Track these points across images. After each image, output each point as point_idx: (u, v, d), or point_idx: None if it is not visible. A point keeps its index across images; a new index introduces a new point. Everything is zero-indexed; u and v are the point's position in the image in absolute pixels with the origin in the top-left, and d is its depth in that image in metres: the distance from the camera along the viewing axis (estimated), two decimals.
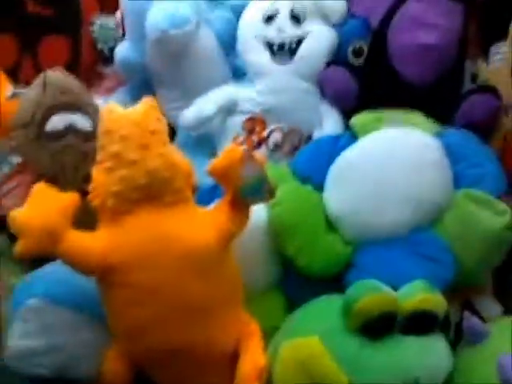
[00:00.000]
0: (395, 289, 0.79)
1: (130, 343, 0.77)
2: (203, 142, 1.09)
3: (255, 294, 0.85)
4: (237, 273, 0.80)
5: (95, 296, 0.79)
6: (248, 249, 0.83)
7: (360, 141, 0.90)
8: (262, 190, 0.77)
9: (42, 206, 0.72)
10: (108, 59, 1.21)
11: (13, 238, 0.93)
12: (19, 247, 0.71)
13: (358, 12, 1.03)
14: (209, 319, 0.77)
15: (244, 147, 0.80)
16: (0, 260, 0.93)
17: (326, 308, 0.80)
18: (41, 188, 0.74)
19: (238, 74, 1.16)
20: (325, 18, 1.04)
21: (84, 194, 0.95)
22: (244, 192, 0.77)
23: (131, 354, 0.78)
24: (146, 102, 0.78)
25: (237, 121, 1.05)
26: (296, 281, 0.88)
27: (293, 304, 0.88)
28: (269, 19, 1.06)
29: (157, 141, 0.76)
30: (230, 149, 0.79)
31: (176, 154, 0.78)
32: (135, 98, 1.18)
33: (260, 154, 0.83)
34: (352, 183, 0.86)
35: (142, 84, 1.18)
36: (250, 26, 1.07)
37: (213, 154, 1.10)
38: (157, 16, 1.02)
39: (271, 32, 1.04)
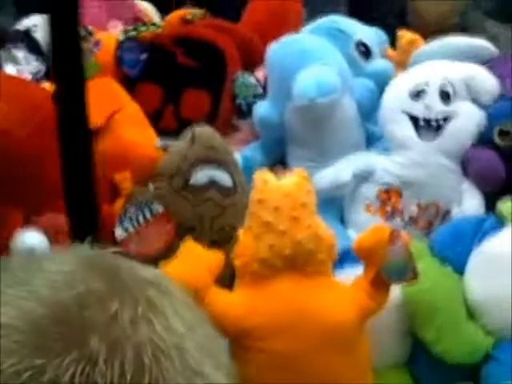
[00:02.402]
0: None
1: None
2: (331, 204, 1.08)
3: (381, 371, 0.83)
4: (369, 351, 0.78)
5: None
6: (378, 325, 0.81)
7: (508, 229, 0.86)
8: (406, 270, 0.76)
9: (189, 264, 0.74)
10: (244, 113, 1.25)
11: None
12: None
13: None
14: None
15: (392, 227, 0.78)
16: None
17: None
18: (190, 245, 0.77)
19: (372, 139, 1.17)
20: (475, 97, 1.02)
21: (216, 244, 0.98)
22: (388, 272, 0.76)
23: None
24: (298, 173, 0.79)
25: (371, 189, 1.05)
26: (425, 361, 0.85)
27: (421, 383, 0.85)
28: (416, 95, 1.05)
29: (306, 213, 0.77)
30: (377, 227, 0.78)
31: (322, 226, 0.78)
32: (267, 153, 1.23)
33: (405, 233, 0.81)
34: (499, 273, 0.82)
35: (275, 140, 1.20)
36: (396, 99, 1.07)
37: (340, 217, 1.10)
38: (305, 83, 1.04)
39: (418, 108, 1.04)
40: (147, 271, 0.36)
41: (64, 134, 0.84)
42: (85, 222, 0.84)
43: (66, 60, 0.81)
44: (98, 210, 0.88)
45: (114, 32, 1.39)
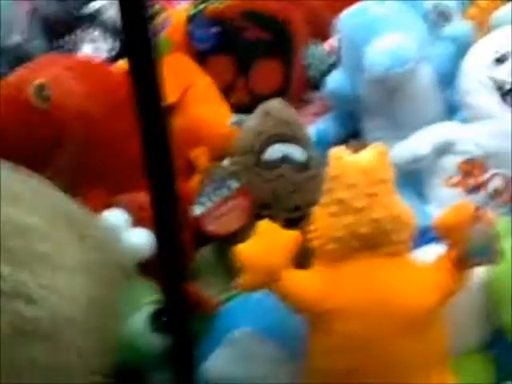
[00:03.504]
0: None
1: None
2: (409, 178, 1.05)
3: (460, 356, 0.81)
4: (445, 334, 0.76)
5: (299, 333, 0.80)
6: (459, 308, 0.78)
7: None
8: (490, 251, 0.73)
9: (267, 244, 0.75)
10: (316, 85, 1.23)
11: (222, 253, 0.99)
12: (242, 282, 0.75)
13: None
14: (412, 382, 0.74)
15: (476, 205, 0.75)
16: (208, 272, 1.00)
17: None
18: (266, 225, 0.77)
19: (453, 109, 1.11)
20: None
21: (292, 223, 0.98)
22: (471, 252, 0.73)
23: None
24: (376, 148, 0.77)
25: (451, 161, 1.00)
26: (506, 346, 0.82)
27: (501, 369, 0.82)
28: (499, 60, 0.99)
29: (384, 190, 0.75)
30: (459, 205, 0.75)
31: (400, 205, 0.76)
32: (341, 125, 1.20)
33: (489, 211, 0.77)
34: None
35: (348, 112, 1.18)
36: (478, 66, 1.01)
37: (420, 191, 1.07)
38: (379, 53, 1.00)
39: (502, 74, 0.98)
40: None
41: (141, 112, 0.85)
42: (165, 198, 0.87)
43: (136, 37, 0.81)
44: (177, 185, 0.90)
45: (183, 7, 1.39)
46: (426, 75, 1.07)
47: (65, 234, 0.34)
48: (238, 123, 1.06)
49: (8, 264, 0.30)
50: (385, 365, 0.74)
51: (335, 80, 1.14)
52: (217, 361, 0.83)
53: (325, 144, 1.02)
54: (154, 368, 0.85)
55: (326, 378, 0.77)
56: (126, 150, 1.00)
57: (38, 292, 0.30)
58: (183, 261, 0.77)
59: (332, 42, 1.22)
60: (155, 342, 0.84)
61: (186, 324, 0.79)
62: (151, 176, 0.86)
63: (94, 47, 1.34)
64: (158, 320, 0.84)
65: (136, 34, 0.80)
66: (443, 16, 1.15)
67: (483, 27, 1.19)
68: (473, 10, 1.27)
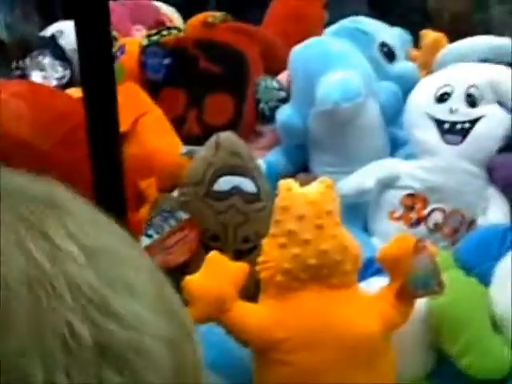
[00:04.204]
0: None
1: None
2: (355, 211, 1.08)
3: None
4: (394, 364, 0.78)
5: (246, 365, 0.80)
6: (402, 338, 0.80)
7: None
8: (432, 282, 0.75)
9: (215, 276, 0.75)
10: (267, 118, 1.25)
11: None
12: (190, 314, 0.74)
13: None
14: None
15: (417, 238, 0.77)
16: None
17: None
18: (215, 257, 0.77)
19: (397, 144, 1.16)
20: (501, 100, 1.00)
21: (242, 254, 0.99)
22: (413, 283, 0.75)
23: None
24: (323, 181, 0.79)
25: (394, 195, 1.04)
26: (450, 375, 0.84)
27: None
28: (441, 98, 1.04)
29: (331, 221, 0.76)
30: (401, 238, 0.78)
31: (347, 236, 0.78)
32: (290, 158, 1.23)
33: (431, 243, 0.80)
34: None
35: (298, 145, 1.20)
36: (421, 102, 1.06)
37: (365, 224, 1.10)
38: (329, 87, 1.03)
39: (443, 112, 1.03)
40: (34, 185, 0.28)
41: (94, 140, 0.84)
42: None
43: (96, 65, 0.81)
44: (127, 215, 0.89)
45: (138, 37, 1.40)
46: (372, 111, 1.11)
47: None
48: (189, 154, 1.07)
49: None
50: None
51: (286, 113, 1.16)
52: None
53: (274, 176, 1.03)
54: None
55: None
56: (74, 178, 0.99)
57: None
58: None
59: (284, 75, 1.25)
60: None
61: None
62: (101, 206, 0.86)
63: (43, 75, 1.33)
64: None
65: (94, 60, 0.79)
66: (388, 55, 1.21)
67: (426, 68, 1.25)
68: (417, 51, 1.34)
